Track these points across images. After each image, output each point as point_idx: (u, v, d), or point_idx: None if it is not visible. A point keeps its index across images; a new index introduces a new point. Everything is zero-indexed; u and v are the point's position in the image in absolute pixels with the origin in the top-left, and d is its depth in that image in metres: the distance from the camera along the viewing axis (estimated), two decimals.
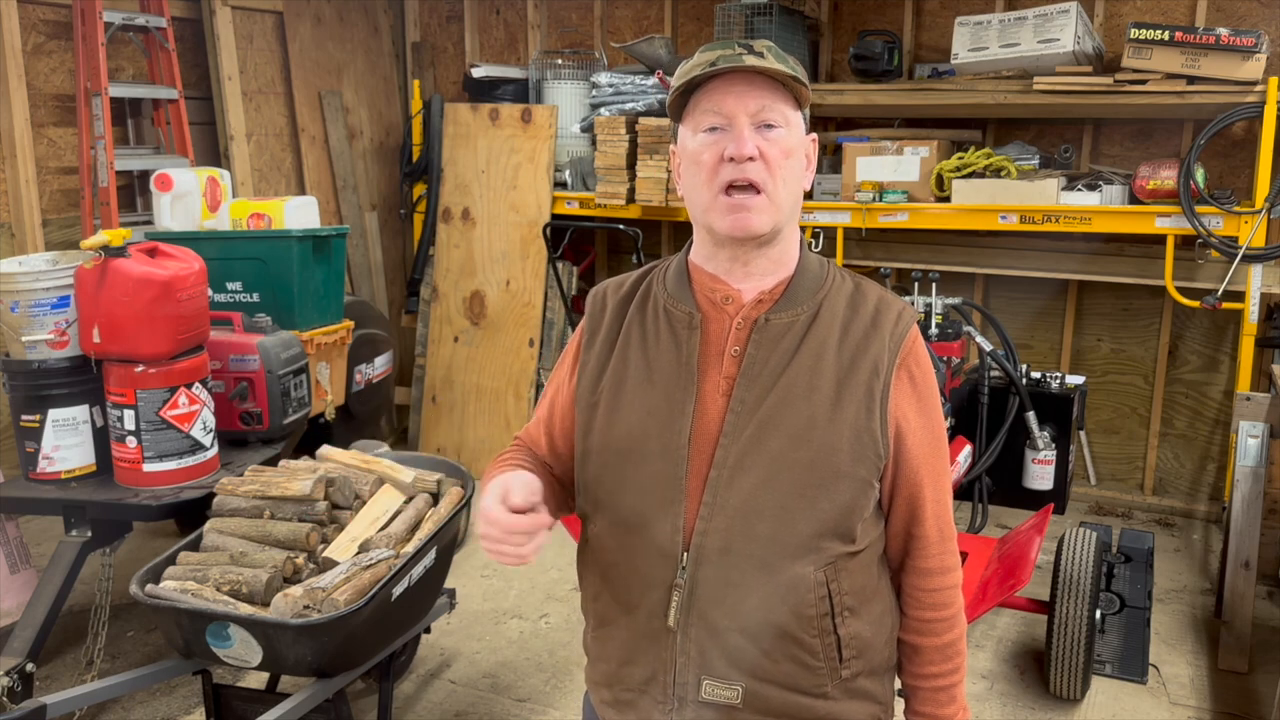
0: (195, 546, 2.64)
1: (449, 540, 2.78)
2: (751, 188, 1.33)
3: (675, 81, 1.36)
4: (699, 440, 1.36)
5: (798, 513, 1.32)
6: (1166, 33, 3.71)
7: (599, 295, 1.53)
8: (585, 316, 1.52)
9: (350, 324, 3.95)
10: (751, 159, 1.32)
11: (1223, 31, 3.66)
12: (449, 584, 2.98)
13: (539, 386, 4.98)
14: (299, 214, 3.88)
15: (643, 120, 4.53)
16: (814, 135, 1.44)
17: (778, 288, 1.41)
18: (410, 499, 2.79)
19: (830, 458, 1.32)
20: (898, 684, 1.50)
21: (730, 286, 1.41)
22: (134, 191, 4.41)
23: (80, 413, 3.11)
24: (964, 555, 3.27)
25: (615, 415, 1.41)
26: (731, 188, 1.33)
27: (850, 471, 1.33)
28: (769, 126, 1.33)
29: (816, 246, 4.48)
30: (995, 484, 3.89)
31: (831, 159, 4.75)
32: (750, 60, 1.31)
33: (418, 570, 2.56)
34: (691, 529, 1.34)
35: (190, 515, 3.02)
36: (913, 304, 3.76)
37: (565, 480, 1.56)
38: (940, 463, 1.42)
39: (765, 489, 1.32)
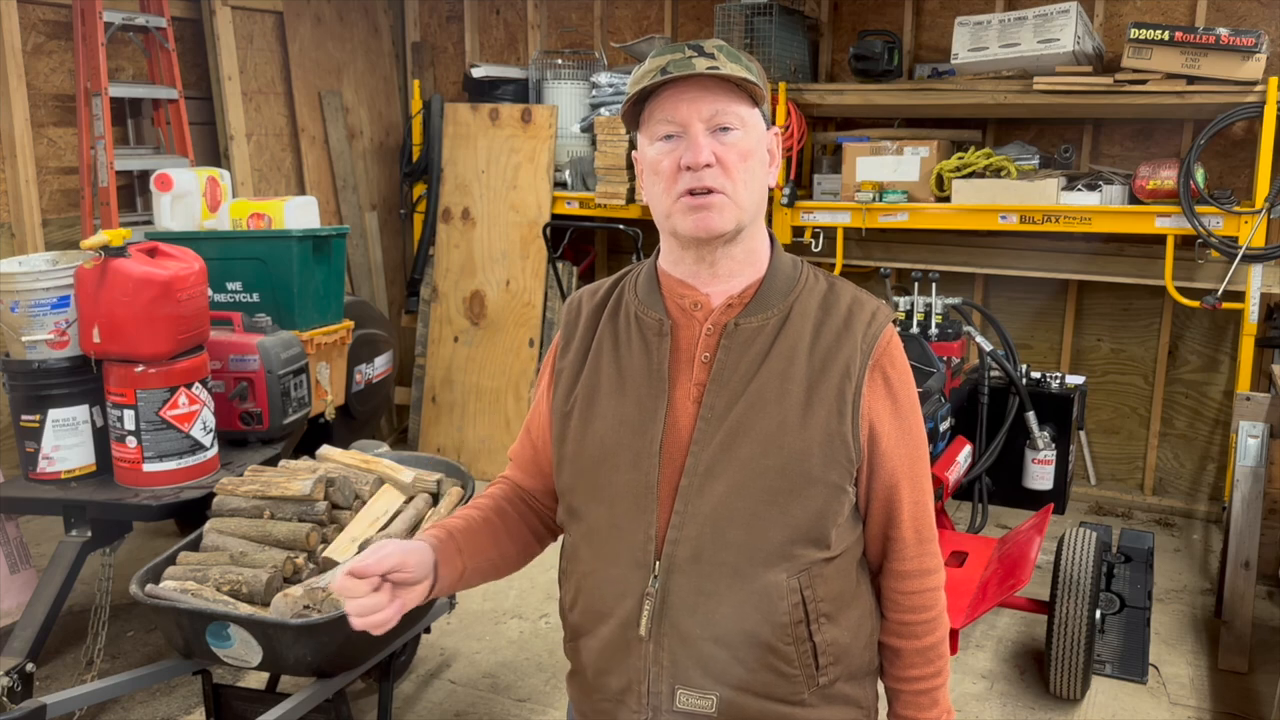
0: (195, 546, 2.64)
1: None
2: (710, 193, 1.31)
3: (629, 89, 1.35)
4: (670, 448, 1.35)
5: (769, 519, 1.31)
6: (1166, 33, 3.71)
7: (574, 303, 1.52)
8: (561, 325, 1.52)
9: (350, 324, 3.95)
10: (708, 165, 1.30)
11: (1223, 31, 3.66)
12: None
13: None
14: (299, 214, 3.88)
15: None
16: (776, 130, 1.42)
17: (747, 291, 1.39)
18: (410, 499, 2.79)
19: (801, 463, 1.31)
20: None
21: (699, 291, 1.40)
22: (134, 191, 4.41)
23: (80, 413, 3.11)
24: (964, 555, 3.27)
25: (588, 424, 1.40)
26: (691, 194, 1.32)
27: (822, 476, 1.32)
28: (724, 130, 1.32)
29: (817, 246, 4.48)
30: (995, 484, 3.89)
31: (831, 159, 4.75)
32: (700, 64, 1.29)
33: None
34: (663, 537, 1.33)
35: (190, 515, 3.02)
36: (913, 304, 3.77)
37: (548, 498, 1.56)
38: (919, 465, 1.40)
39: (736, 496, 1.31)
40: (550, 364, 1.51)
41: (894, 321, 1.43)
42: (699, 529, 1.32)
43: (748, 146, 1.33)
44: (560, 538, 1.54)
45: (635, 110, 1.36)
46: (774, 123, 1.43)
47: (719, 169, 1.31)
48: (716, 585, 1.32)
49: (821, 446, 1.32)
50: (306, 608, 2.30)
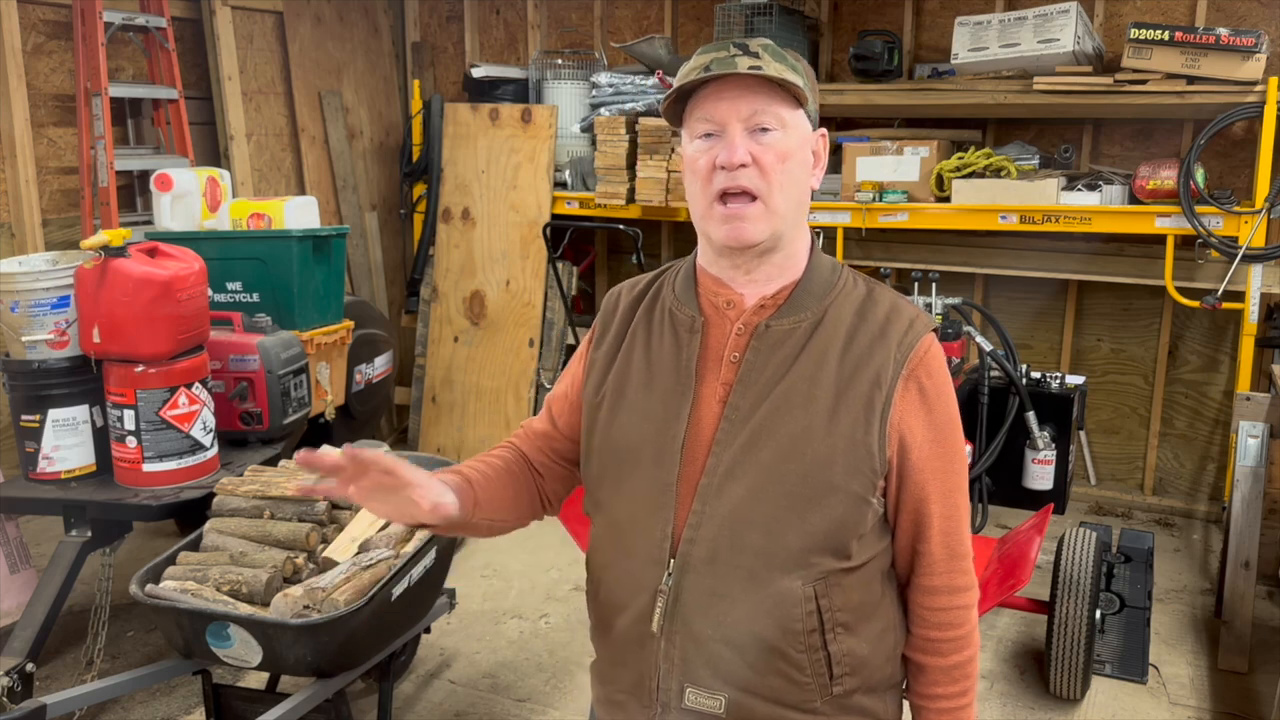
0: (195, 546, 2.64)
1: (449, 540, 2.78)
2: (746, 194, 1.30)
3: (675, 84, 1.34)
4: (693, 446, 1.34)
5: (787, 525, 1.30)
6: (1166, 33, 3.71)
7: (614, 295, 1.52)
8: (598, 315, 1.52)
9: (350, 324, 3.95)
10: (744, 165, 1.29)
11: (1223, 31, 3.65)
12: (449, 584, 2.98)
13: (539, 387, 4.98)
14: (299, 214, 3.88)
15: (643, 120, 4.53)
16: (823, 131, 1.40)
17: (782, 293, 1.38)
18: None
19: (823, 471, 1.29)
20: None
21: (733, 291, 1.39)
22: (134, 191, 4.40)
23: (80, 413, 3.11)
24: None
25: (615, 417, 1.40)
26: (726, 195, 1.31)
27: (843, 485, 1.30)
28: (763, 130, 1.30)
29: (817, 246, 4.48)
30: (995, 484, 3.89)
31: (831, 159, 4.75)
32: (743, 63, 1.28)
33: (417, 570, 2.56)
34: (680, 535, 1.33)
35: (190, 515, 3.02)
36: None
37: (549, 474, 1.56)
38: (953, 479, 1.37)
39: (755, 499, 1.30)
40: (585, 351, 1.51)
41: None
42: (716, 530, 1.31)
43: (786, 148, 1.31)
44: (546, 515, 1.57)
45: (678, 107, 1.36)
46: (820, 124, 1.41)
47: (755, 170, 1.29)
48: (730, 587, 1.31)
49: (845, 455, 1.30)
50: (306, 608, 2.30)
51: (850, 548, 1.32)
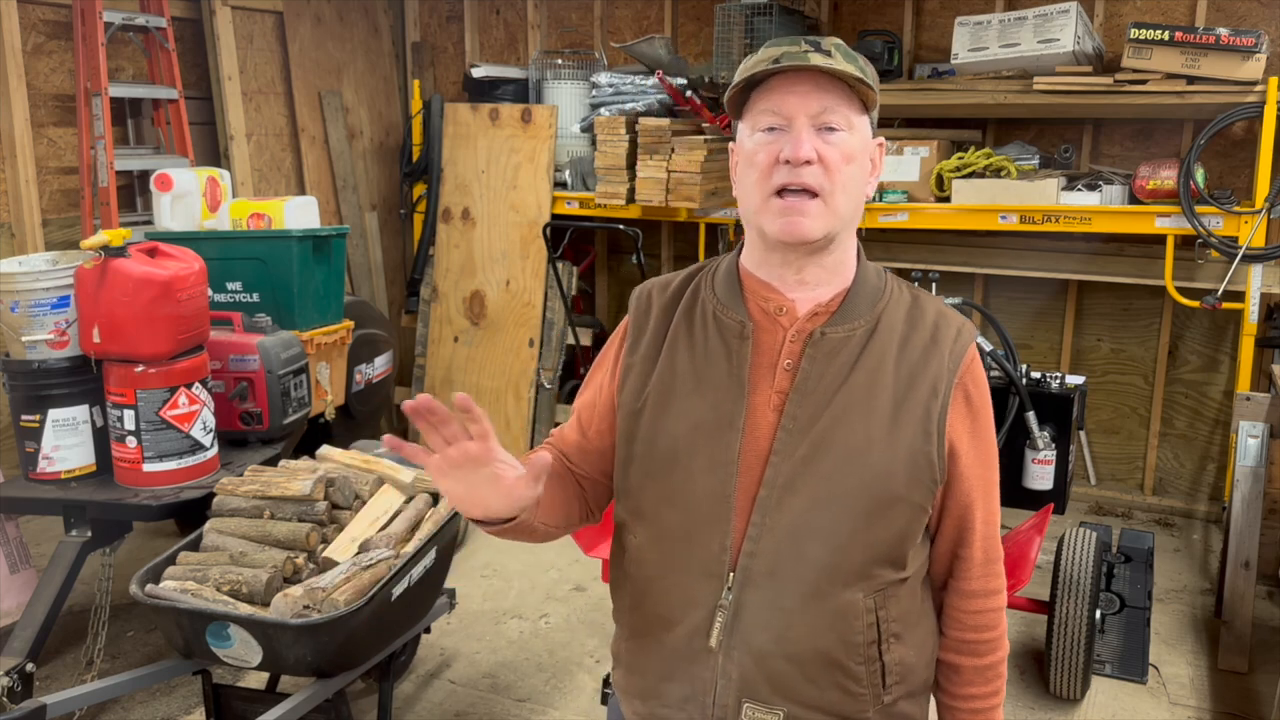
0: (195, 546, 2.64)
1: (449, 540, 2.78)
2: (806, 192, 1.27)
3: (736, 76, 1.31)
4: (748, 456, 1.30)
5: (850, 538, 1.27)
6: (1166, 33, 3.71)
7: (644, 296, 1.46)
8: (630, 317, 1.46)
9: (350, 324, 3.95)
10: (809, 162, 1.25)
11: (1223, 31, 3.65)
12: (449, 584, 2.98)
13: (539, 387, 4.98)
14: (299, 214, 3.88)
15: (643, 120, 4.53)
16: (881, 139, 1.38)
17: (834, 299, 1.35)
18: (410, 499, 2.79)
19: (886, 482, 1.27)
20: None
21: (784, 296, 1.35)
22: (134, 191, 4.40)
23: (80, 413, 3.11)
24: None
25: (661, 424, 1.35)
26: (785, 191, 1.27)
27: (905, 496, 1.28)
28: (830, 129, 1.27)
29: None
30: None
31: None
32: (816, 59, 1.24)
33: (418, 570, 2.56)
34: (739, 549, 1.29)
35: (190, 515, 3.02)
36: None
37: (588, 483, 1.50)
38: (991, 485, 1.38)
39: (816, 512, 1.27)
40: (615, 355, 1.46)
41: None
42: (777, 543, 1.28)
43: (851, 150, 1.29)
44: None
45: (740, 98, 1.32)
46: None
47: (819, 167, 1.26)
48: (792, 601, 1.28)
49: (906, 465, 1.28)
50: (306, 608, 2.30)
51: (906, 558, 1.32)
